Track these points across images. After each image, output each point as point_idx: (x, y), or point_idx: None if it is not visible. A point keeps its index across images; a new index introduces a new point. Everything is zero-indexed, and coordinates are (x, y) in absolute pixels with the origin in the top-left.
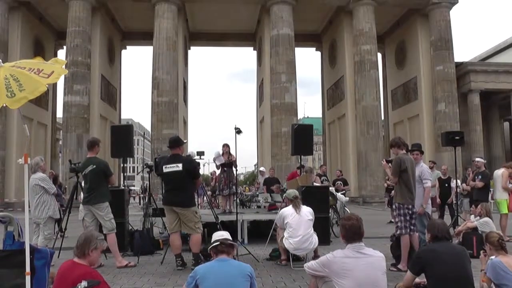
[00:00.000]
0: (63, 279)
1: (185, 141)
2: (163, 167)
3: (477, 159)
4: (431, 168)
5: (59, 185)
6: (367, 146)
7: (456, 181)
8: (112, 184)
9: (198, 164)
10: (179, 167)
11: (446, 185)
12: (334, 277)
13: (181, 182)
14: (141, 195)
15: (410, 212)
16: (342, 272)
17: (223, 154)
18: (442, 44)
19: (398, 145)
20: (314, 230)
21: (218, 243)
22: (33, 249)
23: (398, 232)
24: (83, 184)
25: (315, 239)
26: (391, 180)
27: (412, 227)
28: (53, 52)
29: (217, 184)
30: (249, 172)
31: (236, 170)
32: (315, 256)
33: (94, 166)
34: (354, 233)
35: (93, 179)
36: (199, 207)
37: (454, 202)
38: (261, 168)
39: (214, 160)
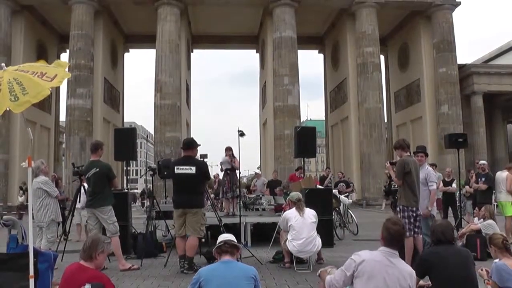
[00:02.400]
0: (70, 281)
1: (199, 144)
2: (175, 167)
3: (482, 161)
4: None
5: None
6: (370, 148)
7: (459, 183)
8: (115, 187)
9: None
10: (192, 169)
11: (450, 187)
12: (356, 275)
13: (194, 185)
14: (139, 198)
15: (414, 214)
16: (365, 274)
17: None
18: (445, 46)
19: (402, 147)
20: (318, 232)
21: (222, 243)
22: (36, 252)
23: None
24: (86, 187)
25: (318, 241)
26: (395, 182)
27: (416, 230)
28: (56, 55)
29: (220, 187)
30: (252, 175)
31: (240, 173)
32: (319, 258)
33: (97, 169)
34: (396, 240)
35: (96, 182)
36: None
37: (457, 204)
38: (257, 170)
39: (221, 164)
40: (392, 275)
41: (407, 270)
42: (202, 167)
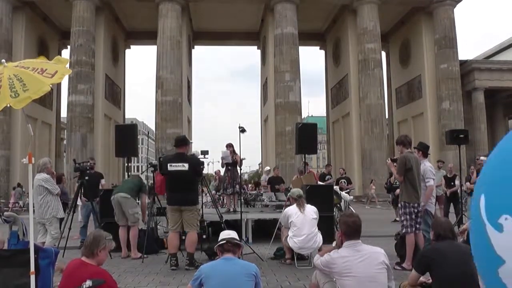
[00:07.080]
0: (71, 277)
1: (191, 141)
2: (168, 165)
3: (482, 157)
4: (439, 168)
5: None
6: (371, 144)
7: (461, 179)
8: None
9: (203, 163)
10: (185, 167)
11: (452, 183)
12: (336, 276)
13: (188, 182)
14: None
15: (416, 210)
16: (343, 272)
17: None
18: (446, 42)
19: (404, 143)
20: (319, 229)
21: (224, 241)
22: (37, 249)
23: (403, 231)
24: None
25: (319, 238)
26: (396, 178)
27: (417, 226)
28: (57, 51)
29: (221, 183)
30: (253, 171)
31: (241, 169)
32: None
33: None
34: (356, 230)
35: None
36: (204, 206)
37: (459, 200)
38: (267, 168)
39: (222, 159)
40: (367, 264)
41: (377, 251)
42: (195, 164)
